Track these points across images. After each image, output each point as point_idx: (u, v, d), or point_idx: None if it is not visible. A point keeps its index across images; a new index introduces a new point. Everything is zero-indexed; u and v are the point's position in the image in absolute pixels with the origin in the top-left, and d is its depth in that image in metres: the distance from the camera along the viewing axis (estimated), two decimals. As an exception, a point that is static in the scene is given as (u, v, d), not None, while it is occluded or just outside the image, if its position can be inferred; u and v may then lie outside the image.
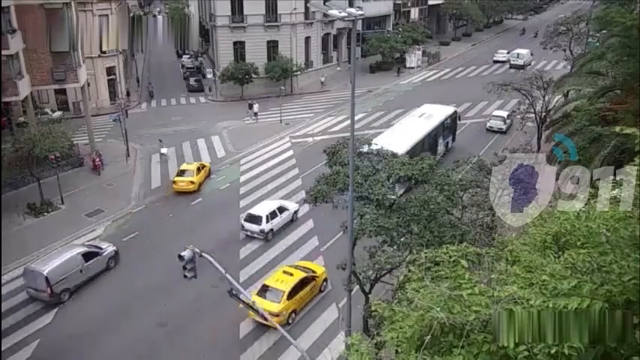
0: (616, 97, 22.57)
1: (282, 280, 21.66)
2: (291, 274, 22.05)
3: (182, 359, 19.94)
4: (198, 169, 34.51)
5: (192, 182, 33.48)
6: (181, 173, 34.11)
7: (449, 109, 38.63)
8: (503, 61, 66.65)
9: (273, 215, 27.70)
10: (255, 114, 47.00)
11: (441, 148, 36.25)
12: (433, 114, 36.46)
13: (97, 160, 36.47)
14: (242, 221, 27.97)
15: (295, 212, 29.39)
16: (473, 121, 45.46)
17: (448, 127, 37.66)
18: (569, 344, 4.50)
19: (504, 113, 41.91)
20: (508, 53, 66.93)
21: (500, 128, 41.06)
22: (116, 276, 25.04)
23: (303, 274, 22.24)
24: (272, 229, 27.49)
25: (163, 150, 38.72)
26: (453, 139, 38.90)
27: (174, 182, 33.76)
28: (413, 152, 26.91)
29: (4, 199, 29.80)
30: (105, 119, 45.67)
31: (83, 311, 22.59)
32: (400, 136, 31.81)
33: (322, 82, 55.50)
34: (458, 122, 40.04)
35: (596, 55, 28.55)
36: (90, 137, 39.72)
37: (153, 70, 69.51)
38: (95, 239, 27.64)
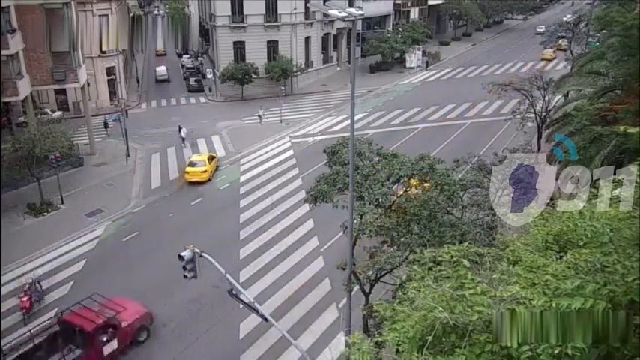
0: (616, 97, 22.54)
1: (200, 158, 36.60)
2: (201, 154, 37.76)
3: (182, 359, 19.93)
4: (209, 159, 36.60)
5: (204, 172, 35.19)
6: (192, 164, 35.67)
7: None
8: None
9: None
10: (183, 139, 41.69)
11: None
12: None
13: (26, 298, 22.10)
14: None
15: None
16: (473, 121, 45.56)
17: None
18: (572, 344, 4.49)
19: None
20: None
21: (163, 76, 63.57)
22: (116, 276, 25.02)
23: (207, 155, 37.39)
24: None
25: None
26: None
27: (186, 172, 35.17)
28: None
29: (4, 199, 29.78)
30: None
31: (83, 311, 22.52)
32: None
33: (260, 116, 46.57)
34: None
35: (596, 55, 28.53)
36: (90, 137, 39.76)
37: (152, 70, 69.41)
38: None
